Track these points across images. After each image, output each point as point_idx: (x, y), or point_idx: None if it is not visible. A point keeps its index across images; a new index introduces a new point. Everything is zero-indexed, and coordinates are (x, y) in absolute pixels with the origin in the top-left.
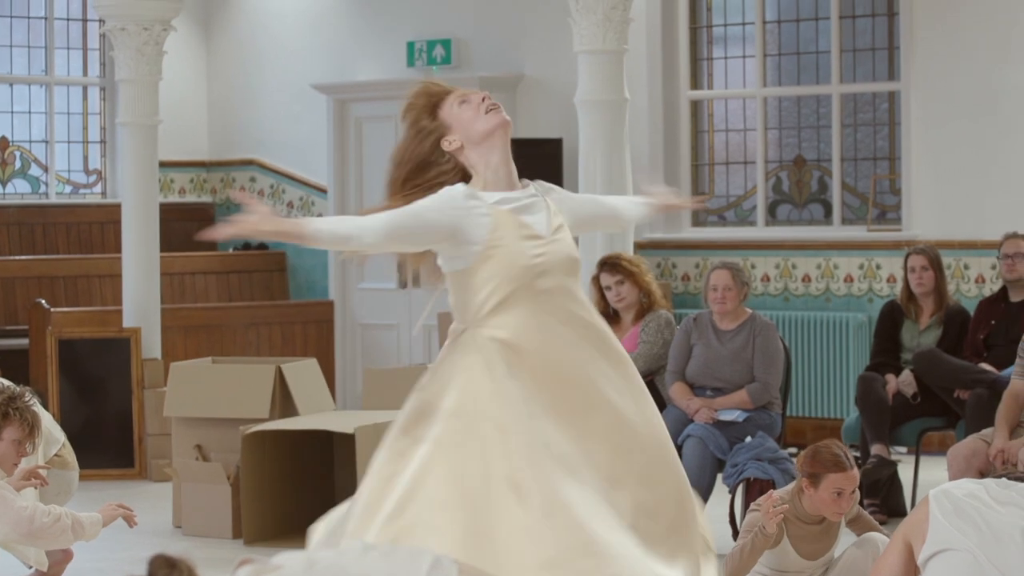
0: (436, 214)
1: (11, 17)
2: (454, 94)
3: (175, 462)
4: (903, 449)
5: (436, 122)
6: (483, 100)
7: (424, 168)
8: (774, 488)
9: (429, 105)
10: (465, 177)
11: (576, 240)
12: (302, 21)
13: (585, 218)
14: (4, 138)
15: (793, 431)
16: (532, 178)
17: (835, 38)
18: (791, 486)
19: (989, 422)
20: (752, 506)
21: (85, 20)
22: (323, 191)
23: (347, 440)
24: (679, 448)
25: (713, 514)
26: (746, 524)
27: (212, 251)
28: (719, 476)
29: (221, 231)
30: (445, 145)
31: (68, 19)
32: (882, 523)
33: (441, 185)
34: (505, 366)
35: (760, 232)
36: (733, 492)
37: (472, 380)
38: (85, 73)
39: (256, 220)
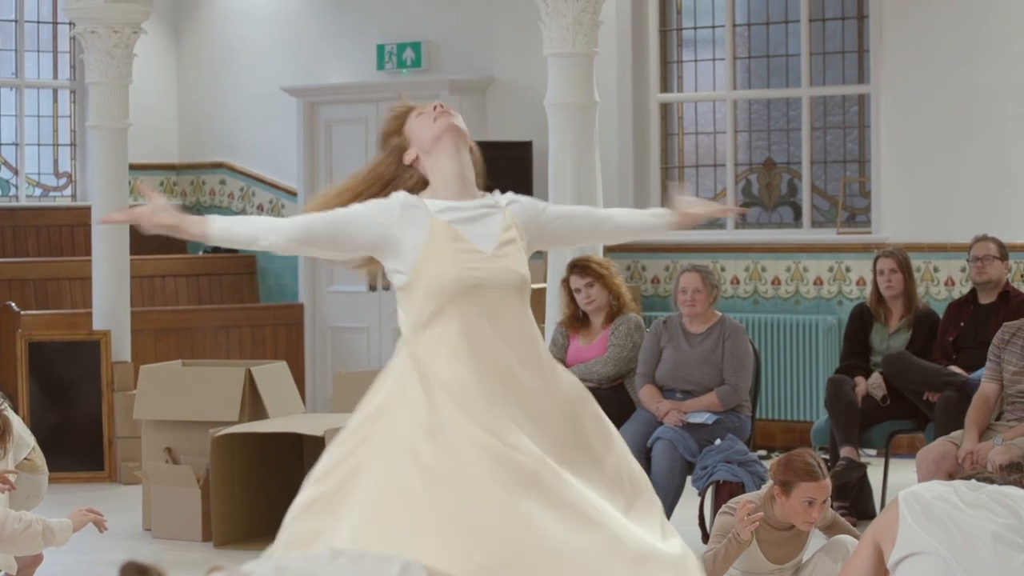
0: (360, 224)
1: None
2: (415, 109)
3: (145, 465)
4: (872, 451)
5: (400, 138)
6: (434, 108)
7: (385, 185)
8: (743, 490)
9: (397, 125)
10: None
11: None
12: (272, 24)
13: (560, 232)
14: None
15: (763, 434)
16: (504, 182)
17: (805, 41)
18: (763, 491)
19: (958, 424)
20: (723, 509)
21: (55, 23)
22: (293, 194)
23: (317, 443)
24: (648, 451)
25: (683, 517)
26: (717, 527)
27: (182, 254)
28: (688, 479)
29: (114, 217)
30: (405, 158)
31: (38, 22)
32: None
33: None
34: (421, 389)
35: (730, 235)
36: (703, 495)
37: (390, 399)
38: (55, 76)
39: (150, 210)
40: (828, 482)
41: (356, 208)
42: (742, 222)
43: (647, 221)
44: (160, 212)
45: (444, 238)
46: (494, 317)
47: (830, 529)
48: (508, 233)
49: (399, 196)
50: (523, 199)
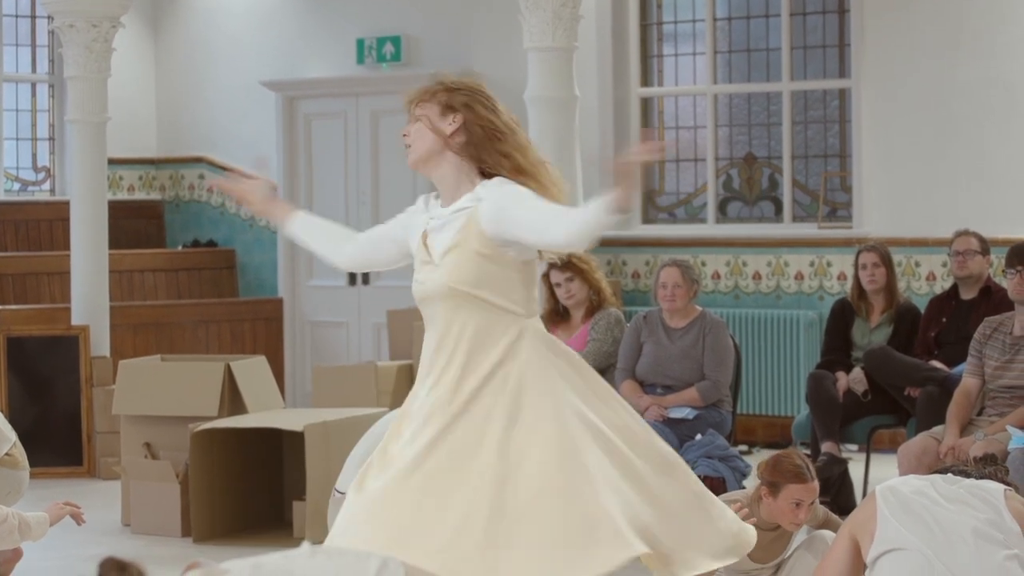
0: (391, 223)
1: None
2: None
3: (124, 460)
4: (854, 447)
5: None
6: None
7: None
8: (724, 486)
9: None
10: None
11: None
12: (251, 18)
13: (509, 230)
14: None
15: (743, 429)
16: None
17: (785, 35)
18: (748, 490)
19: (940, 420)
20: None
21: (34, 17)
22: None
23: (296, 438)
24: None
25: None
26: None
27: (161, 248)
28: None
29: (221, 184)
30: None
31: (16, 16)
32: None
33: None
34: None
35: (710, 229)
36: None
37: None
38: (34, 70)
39: (249, 188)
40: (816, 484)
41: (398, 217)
42: (722, 217)
43: (586, 215)
44: (253, 193)
45: (417, 247)
46: (430, 326)
47: (823, 527)
48: (456, 237)
49: (425, 196)
50: (494, 196)
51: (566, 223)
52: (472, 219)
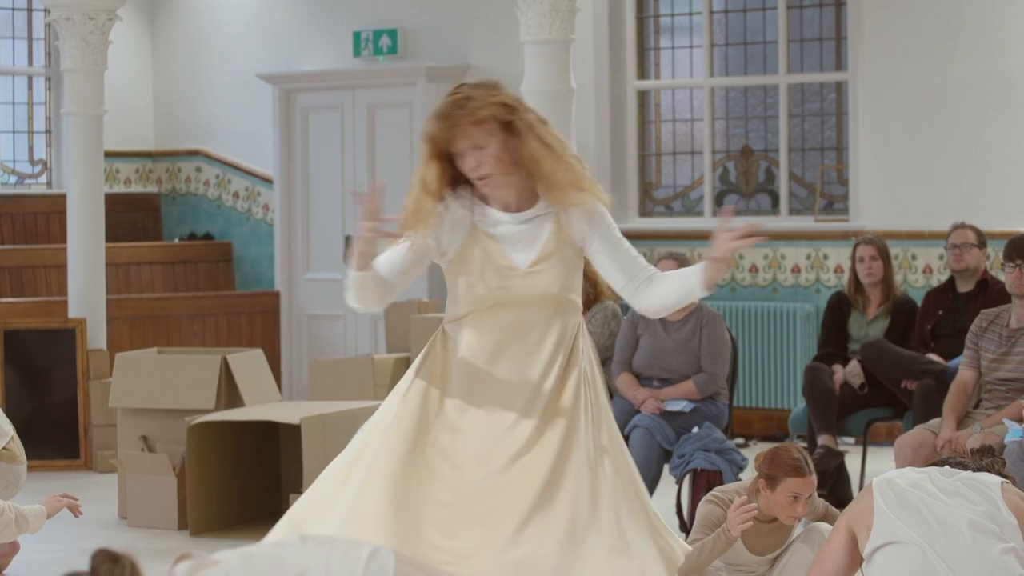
0: (405, 249)
1: None
2: None
3: (120, 453)
4: (850, 440)
5: None
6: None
7: None
8: (721, 479)
9: None
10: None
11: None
12: (248, 11)
13: (596, 260)
14: None
15: (740, 422)
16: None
17: (782, 28)
18: (746, 482)
19: (936, 413)
20: (708, 497)
21: (30, 9)
22: (269, 181)
23: (293, 431)
24: (625, 439)
25: (660, 505)
26: (701, 516)
27: (157, 241)
28: (666, 467)
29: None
30: None
31: (13, 8)
32: None
33: None
34: (423, 381)
35: (707, 222)
36: (680, 483)
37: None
38: (30, 63)
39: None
40: (814, 478)
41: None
42: (719, 210)
43: (677, 280)
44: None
45: (480, 248)
46: (513, 335)
47: (823, 521)
48: (550, 246)
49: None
50: (588, 208)
51: (653, 293)
52: (562, 227)
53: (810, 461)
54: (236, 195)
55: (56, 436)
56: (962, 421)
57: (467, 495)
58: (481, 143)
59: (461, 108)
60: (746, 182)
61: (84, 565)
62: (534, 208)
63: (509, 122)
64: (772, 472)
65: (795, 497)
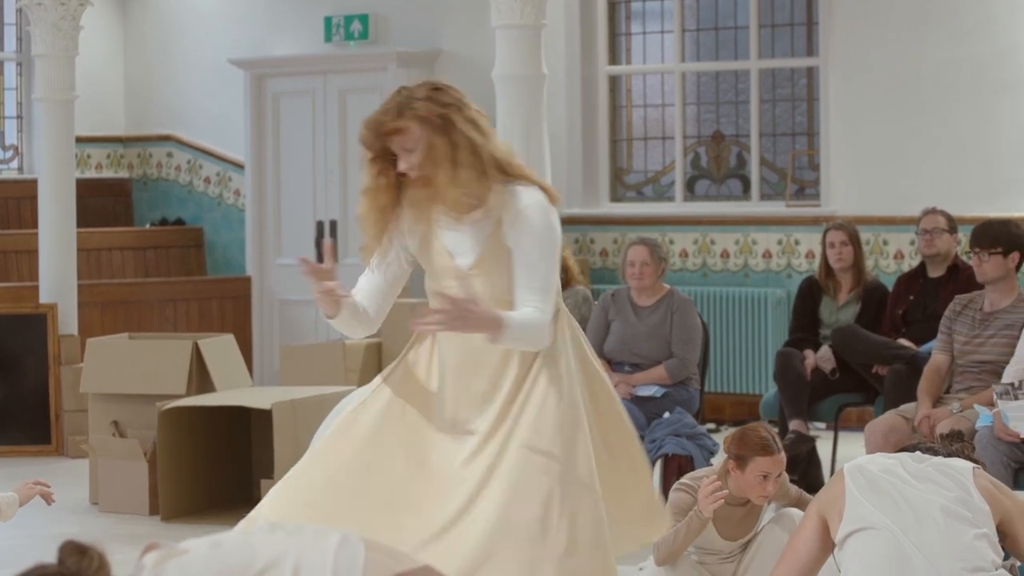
0: (376, 271)
1: None
2: None
3: (92, 438)
4: (821, 425)
5: None
6: None
7: None
8: (692, 464)
9: None
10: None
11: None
12: None
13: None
14: None
15: (711, 407)
16: None
17: (753, 13)
18: (716, 466)
19: (907, 398)
20: (677, 486)
21: None
22: (240, 166)
23: (264, 416)
24: None
25: None
26: (671, 505)
27: (129, 227)
28: None
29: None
30: None
31: None
32: None
33: None
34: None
35: (678, 207)
36: (651, 468)
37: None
38: (1, 48)
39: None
40: (783, 456)
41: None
42: (690, 195)
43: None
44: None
45: (429, 250)
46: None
47: (796, 506)
48: (484, 248)
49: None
50: (520, 218)
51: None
52: (497, 230)
53: (778, 440)
54: (207, 180)
55: (27, 421)
56: (936, 404)
57: (410, 486)
58: (409, 147)
59: (386, 114)
60: (717, 167)
61: (52, 553)
62: (476, 213)
63: (437, 125)
64: (741, 452)
65: (764, 476)
